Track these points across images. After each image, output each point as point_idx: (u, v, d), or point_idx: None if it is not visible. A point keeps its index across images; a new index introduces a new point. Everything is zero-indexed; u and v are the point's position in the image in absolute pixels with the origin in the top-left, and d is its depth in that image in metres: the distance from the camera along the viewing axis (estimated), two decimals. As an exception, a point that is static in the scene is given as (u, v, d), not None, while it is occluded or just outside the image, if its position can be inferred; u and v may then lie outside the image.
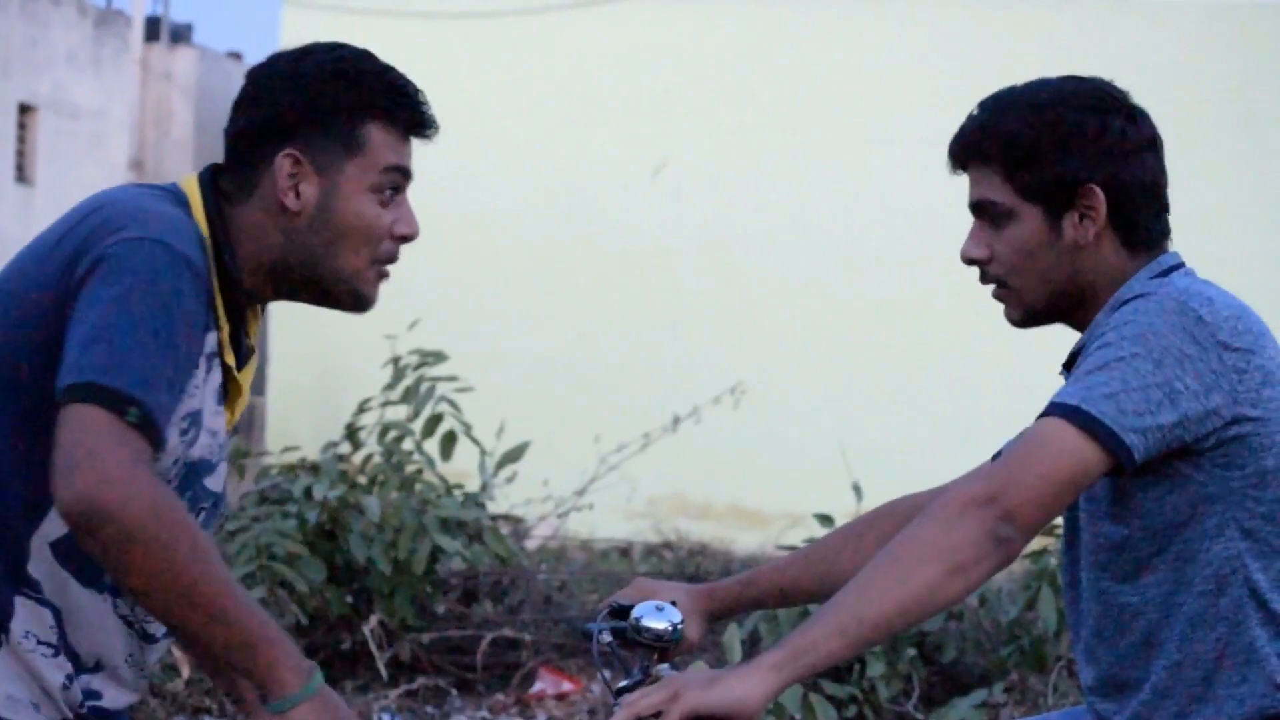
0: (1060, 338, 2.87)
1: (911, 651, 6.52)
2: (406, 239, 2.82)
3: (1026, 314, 2.92)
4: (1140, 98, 2.89)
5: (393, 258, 2.83)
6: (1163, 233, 2.91)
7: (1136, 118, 2.89)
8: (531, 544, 9.24)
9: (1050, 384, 2.99)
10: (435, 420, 7.52)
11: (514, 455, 7.67)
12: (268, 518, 7.02)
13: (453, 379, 7.52)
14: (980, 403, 12.32)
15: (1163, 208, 2.91)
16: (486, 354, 11.63)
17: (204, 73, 27.48)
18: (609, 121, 12.68)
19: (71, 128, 24.92)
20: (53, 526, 2.66)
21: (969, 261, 2.94)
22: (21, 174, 24.45)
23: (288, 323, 13.07)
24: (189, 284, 2.59)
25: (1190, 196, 11.61)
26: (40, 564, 2.68)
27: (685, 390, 8.35)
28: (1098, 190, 2.84)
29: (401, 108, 2.80)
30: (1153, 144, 2.90)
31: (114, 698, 2.78)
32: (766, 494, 12.05)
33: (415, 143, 2.83)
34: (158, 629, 2.78)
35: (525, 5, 12.99)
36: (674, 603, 2.88)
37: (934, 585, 2.59)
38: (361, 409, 7.64)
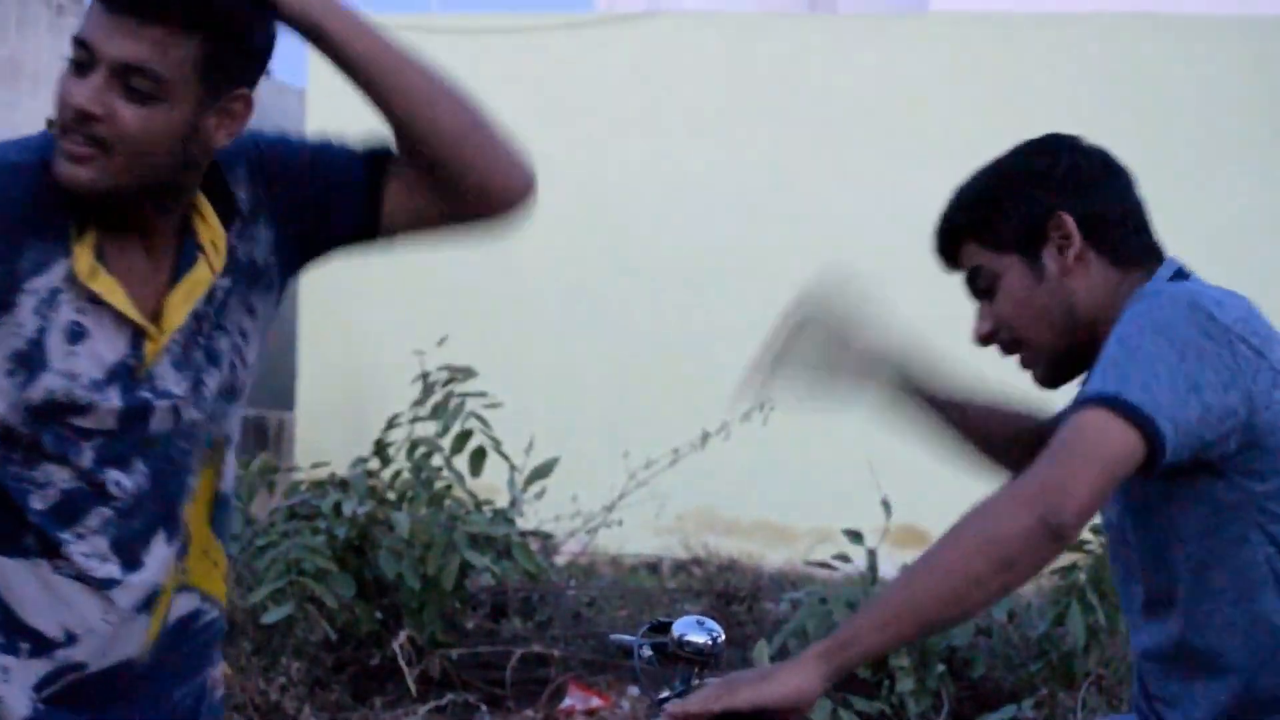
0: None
1: (941, 667, 6.52)
2: (61, 115, 2.47)
3: (1049, 366, 2.96)
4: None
5: (68, 132, 2.47)
6: (1150, 247, 2.93)
7: (1089, 152, 2.95)
8: (561, 560, 9.24)
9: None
10: (464, 436, 7.53)
11: (543, 471, 7.68)
12: (297, 533, 7.04)
13: (482, 395, 7.53)
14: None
15: (1140, 226, 2.93)
16: (515, 370, 11.64)
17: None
18: (638, 138, 12.69)
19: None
20: None
21: (981, 340, 3.01)
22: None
23: (317, 339, 13.10)
24: None
25: (1217, 212, 11.64)
26: None
27: (714, 407, 8.35)
28: (1063, 215, 2.88)
29: None
30: (1111, 170, 2.93)
31: (107, 657, 2.62)
32: (795, 510, 12.02)
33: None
34: (109, 572, 2.59)
35: (552, 21, 13.01)
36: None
37: (981, 579, 2.54)
38: (390, 425, 7.65)
